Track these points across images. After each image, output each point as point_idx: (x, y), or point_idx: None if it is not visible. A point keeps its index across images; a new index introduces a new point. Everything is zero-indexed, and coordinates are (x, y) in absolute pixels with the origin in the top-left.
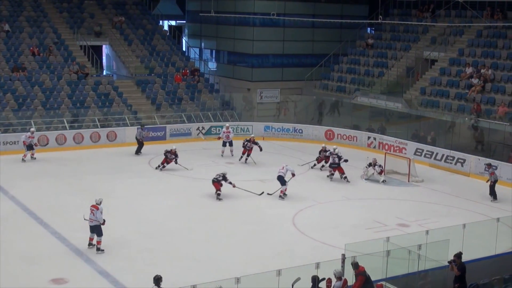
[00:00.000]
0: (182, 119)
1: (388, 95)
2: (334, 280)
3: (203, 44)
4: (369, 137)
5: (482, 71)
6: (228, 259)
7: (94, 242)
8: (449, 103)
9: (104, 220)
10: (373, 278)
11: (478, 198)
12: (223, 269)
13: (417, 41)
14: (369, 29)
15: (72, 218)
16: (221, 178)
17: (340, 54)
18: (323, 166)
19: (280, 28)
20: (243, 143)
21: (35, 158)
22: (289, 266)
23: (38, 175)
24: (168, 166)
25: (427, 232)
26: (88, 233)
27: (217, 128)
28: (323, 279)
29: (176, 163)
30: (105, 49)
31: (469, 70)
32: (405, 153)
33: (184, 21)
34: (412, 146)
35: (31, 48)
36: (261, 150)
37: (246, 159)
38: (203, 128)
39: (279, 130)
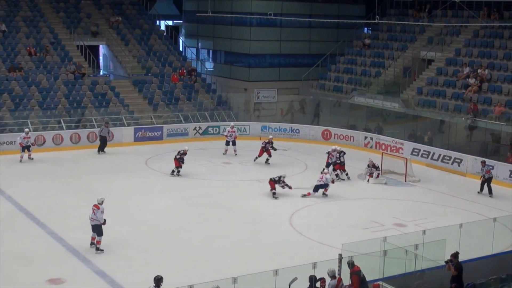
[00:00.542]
0: (179, 119)
1: (385, 95)
2: (328, 279)
3: (200, 44)
4: (366, 137)
5: (479, 71)
6: (225, 259)
7: (96, 241)
8: (446, 103)
9: (104, 220)
10: (370, 278)
11: (475, 198)
12: (220, 269)
13: (414, 41)
14: (366, 29)
15: (69, 218)
16: (277, 178)
17: (337, 54)
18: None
19: (277, 28)
20: (263, 145)
21: (32, 158)
22: (286, 266)
23: (35, 175)
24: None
25: (424, 232)
26: (85, 233)
27: (214, 128)
28: (320, 279)
29: (182, 162)
30: (102, 49)
31: (465, 70)
32: (402, 153)
33: (181, 21)
34: (409, 146)
35: (28, 48)
36: (275, 150)
37: (267, 159)
38: (200, 128)
39: (276, 130)
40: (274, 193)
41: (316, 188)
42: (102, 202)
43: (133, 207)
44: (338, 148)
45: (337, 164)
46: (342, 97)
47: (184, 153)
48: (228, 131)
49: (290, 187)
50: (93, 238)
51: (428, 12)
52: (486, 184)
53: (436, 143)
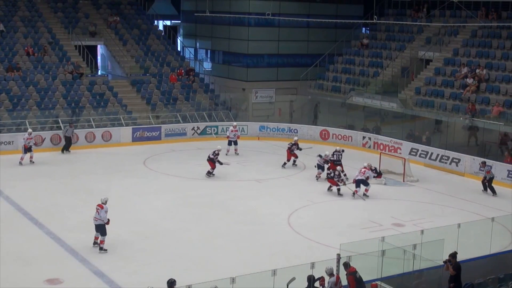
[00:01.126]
0: (177, 119)
1: (383, 95)
2: (327, 277)
3: (198, 44)
4: (364, 137)
5: (477, 71)
6: (223, 259)
7: (99, 241)
8: (444, 103)
9: (108, 220)
10: (368, 278)
11: (473, 198)
12: (218, 269)
13: (412, 41)
14: (364, 29)
15: (67, 218)
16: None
17: (335, 54)
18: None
19: (275, 28)
20: (289, 145)
21: (33, 162)
22: (284, 266)
23: (32, 175)
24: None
25: (422, 231)
26: (84, 233)
27: (213, 128)
28: (318, 278)
29: (220, 163)
30: (100, 49)
31: (464, 70)
32: (400, 153)
33: (179, 21)
34: (407, 146)
35: (26, 48)
36: (300, 150)
37: (295, 161)
38: (198, 128)
39: (274, 130)
40: (338, 190)
41: (358, 183)
42: (106, 201)
43: (131, 207)
44: (339, 148)
45: (334, 164)
46: (340, 97)
47: (217, 153)
48: (231, 131)
49: (344, 183)
50: (96, 238)
51: (426, 12)
52: (487, 184)
53: (434, 143)
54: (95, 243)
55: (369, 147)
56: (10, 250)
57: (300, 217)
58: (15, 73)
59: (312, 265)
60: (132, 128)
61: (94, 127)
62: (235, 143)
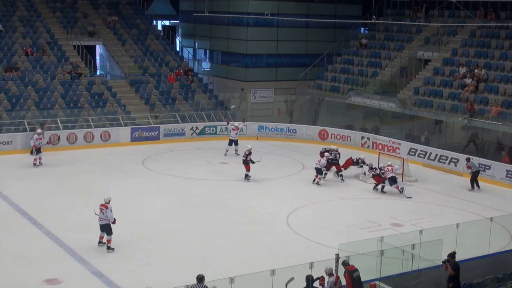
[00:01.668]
0: (176, 119)
1: (382, 95)
2: (326, 277)
3: (196, 44)
4: (362, 137)
5: (476, 71)
6: (222, 259)
7: (104, 240)
8: (443, 103)
9: (114, 219)
10: (367, 278)
11: (471, 198)
12: (217, 269)
13: (411, 41)
14: (362, 29)
15: (66, 218)
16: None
17: (334, 54)
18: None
19: (274, 28)
20: (322, 153)
21: (41, 163)
22: (283, 266)
23: (31, 176)
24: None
25: (420, 231)
26: (82, 233)
27: (211, 128)
28: (317, 278)
29: (252, 162)
30: (99, 49)
31: (462, 70)
32: (398, 153)
33: (178, 21)
34: (405, 146)
35: (24, 48)
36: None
37: (340, 172)
38: (196, 128)
39: (273, 130)
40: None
41: (394, 181)
42: (110, 201)
43: (130, 207)
44: (334, 147)
45: (333, 163)
46: (339, 97)
47: (249, 153)
48: (232, 130)
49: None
50: (101, 237)
51: (425, 12)
52: (475, 179)
53: (433, 143)
54: (100, 242)
55: (368, 147)
56: (9, 250)
57: (299, 217)
58: (13, 73)
59: (311, 265)
60: (131, 128)
61: (93, 127)
62: (236, 143)
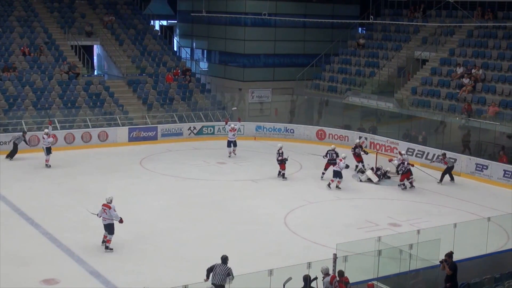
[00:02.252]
0: (173, 119)
1: (379, 95)
2: (322, 276)
3: (194, 44)
4: (360, 137)
5: (473, 71)
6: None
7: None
8: (440, 103)
9: (121, 218)
10: (364, 278)
11: (469, 198)
12: None
13: (408, 41)
14: (360, 29)
15: (64, 218)
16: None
17: (331, 54)
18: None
19: (272, 28)
20: (353, 150)
21: (49, 165)
22: (281, 266)
23: (29, 176)
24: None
25: (418, 231)
26: (80, 233)
27: (209, 128)
28: (315, 278)
29: (286, 160)
30: (96, 49)
31: (460, 70)
32: (396, 153)
33: (176, 21)
34: (403, 145)
35: (22, 48)
36: (366, 154)
37: (362, 166)
38: (194, 128)
39: (270, 130)
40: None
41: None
42: (111, 200)
43: (128, 207)
44: (331, 147)
45: (329, 163)
46: (337, 97)
47: (282, 152)
48: (230, 131)
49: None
50: (105, 237)
51: (423, 12)
52: (447, 173)
53: (431, 143)
54: (103, 241)
55: (366, 147)
56: (6, 250)
57: (297, 217)
58: (11, 73)
59: (309, 265)
60: (129, 128)
61: (91, 127)
62: (234, 144)
